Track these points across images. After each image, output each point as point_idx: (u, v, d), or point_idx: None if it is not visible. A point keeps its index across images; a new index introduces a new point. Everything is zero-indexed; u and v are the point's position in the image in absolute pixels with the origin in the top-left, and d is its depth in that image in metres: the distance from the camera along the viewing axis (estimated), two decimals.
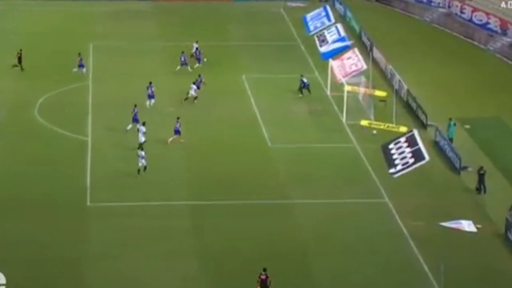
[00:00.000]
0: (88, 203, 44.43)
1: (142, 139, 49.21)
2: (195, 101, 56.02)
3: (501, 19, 68.79)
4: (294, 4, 78.26)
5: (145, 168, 46.81)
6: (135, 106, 52.78)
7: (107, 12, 76.58)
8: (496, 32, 68.93)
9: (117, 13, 76.37)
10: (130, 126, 51.52)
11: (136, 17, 75.40)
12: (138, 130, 49.75)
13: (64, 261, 39.18)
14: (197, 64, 62.08)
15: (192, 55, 63.03)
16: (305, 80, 58.30)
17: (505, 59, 66.67)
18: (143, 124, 49.81)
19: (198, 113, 54.78)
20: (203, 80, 57.55)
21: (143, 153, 46.98)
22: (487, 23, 69.94)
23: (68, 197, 44.84)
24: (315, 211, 44.06)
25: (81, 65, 60.76)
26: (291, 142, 51.57)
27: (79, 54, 61.65)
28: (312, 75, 61.02)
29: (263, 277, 36.51)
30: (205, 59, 62.55)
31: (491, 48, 67.97)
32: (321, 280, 38.33)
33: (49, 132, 52.37)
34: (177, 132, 50.30)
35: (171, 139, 50.28)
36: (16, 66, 61.19)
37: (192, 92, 56.14)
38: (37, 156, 49.21)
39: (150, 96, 55.46)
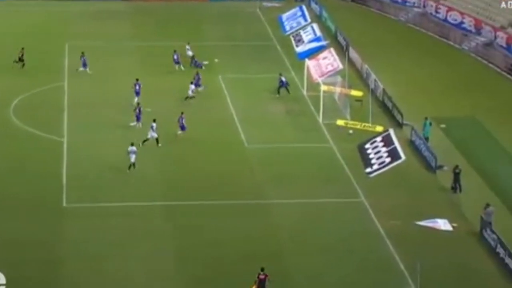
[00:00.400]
0: (64, 204, 44.26)
1: (154, 135, 49.93)
2: (191, 100, 56.08)
3: (475, 19, 69.18)
4: (269, 4, 78.20)
5: (134, 165, 47.06)
6: (138, 104, 53.08)
7: (83, 12, 76.23)
8: (470, 31, 69.32)
9: (92, 13, 76.06)
10: (134, 123, 52.11)
11: (112, 17, 75.12)
12: (151, 127, 50.21)
13: (41, 262, 38.96)
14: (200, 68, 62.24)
15: (186, 56, 63.01)
16: (283, 79, 58.41)
17: (479, 58, 67.05)
18: (154, 120, 50.30)
19: (174, 113, 54.67)
20: (200, 77, 57.64)
21: (134, 148, 47.21)
22: (462, 22, 70.31)
23: (44, 198, 44.62)
24: (291, 211, 44.12)
25: (84, 64, 60.97)
26: (268, 142, 51.61)
27: (83, 53, 61.65)
28: (289, 75, 61.03)
29: (262, 276, 36.49)
30: (205, 62, 62.59)
31: (466, 48, 68.34)
32: (298, 279, 38.38)
33: (24, 133, 52.07)
34: (182, 128, 51.02)
35: (179, 133, 51.24)
36: (17, 62, 61.63)
37: (190, 92, 56.33)
38: (12, 157, 48.94)
39: (137, 93, 55.81)
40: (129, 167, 46.98)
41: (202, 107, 56.06)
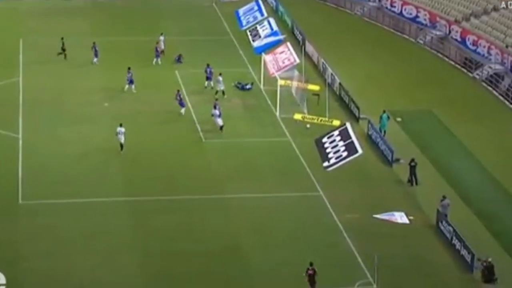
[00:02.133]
0: (20, 201, 43.88)
1: (220, 122, 51.14)
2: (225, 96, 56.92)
3: (430, 13, 69.73)
4: None
5: (122, 146, 48.36)
6: (178, 91, 54.07)
7: (36, 9, 75.44)
8: (425, 25, 69.87)
9: (47, 9, 75.32)
10: (182, 110, 53.53)
11: (68, 13, 74.40)
12: (212, 115, 51.61)
13: None
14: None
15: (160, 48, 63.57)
16: (247, 86, 58.56)
17: (434, 52, 67.64)
18: (215, 107, 51.75)
19: (131, 108, 54.52)
20: (212, 70, 57.98)
21: (123, 129, 48.13)
22: (417, 16, 70.84)
23: None
24: (250, 206, 44.18)
25: (95, 55, 61.68)
26: (225, 137, 51.59)
27: (94, 43, 61.96)
28: (246, 69, 61.11)
29: (311, 272, 36.64)
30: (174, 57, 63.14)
31: (421, 41, 68.87)
32: (257, 273, 38.47)
33: None
34: (218, 112, 51.94)
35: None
36: (61, 53, 62.31)
37: (221, 86, 56.93)
38: None
39: (129, 81, 56.80)
40: (121, 148, 48.33)
41: (159, 102, 55.87)
